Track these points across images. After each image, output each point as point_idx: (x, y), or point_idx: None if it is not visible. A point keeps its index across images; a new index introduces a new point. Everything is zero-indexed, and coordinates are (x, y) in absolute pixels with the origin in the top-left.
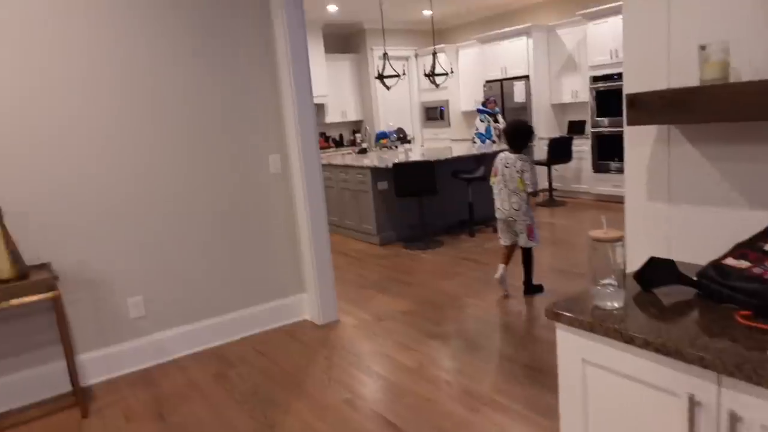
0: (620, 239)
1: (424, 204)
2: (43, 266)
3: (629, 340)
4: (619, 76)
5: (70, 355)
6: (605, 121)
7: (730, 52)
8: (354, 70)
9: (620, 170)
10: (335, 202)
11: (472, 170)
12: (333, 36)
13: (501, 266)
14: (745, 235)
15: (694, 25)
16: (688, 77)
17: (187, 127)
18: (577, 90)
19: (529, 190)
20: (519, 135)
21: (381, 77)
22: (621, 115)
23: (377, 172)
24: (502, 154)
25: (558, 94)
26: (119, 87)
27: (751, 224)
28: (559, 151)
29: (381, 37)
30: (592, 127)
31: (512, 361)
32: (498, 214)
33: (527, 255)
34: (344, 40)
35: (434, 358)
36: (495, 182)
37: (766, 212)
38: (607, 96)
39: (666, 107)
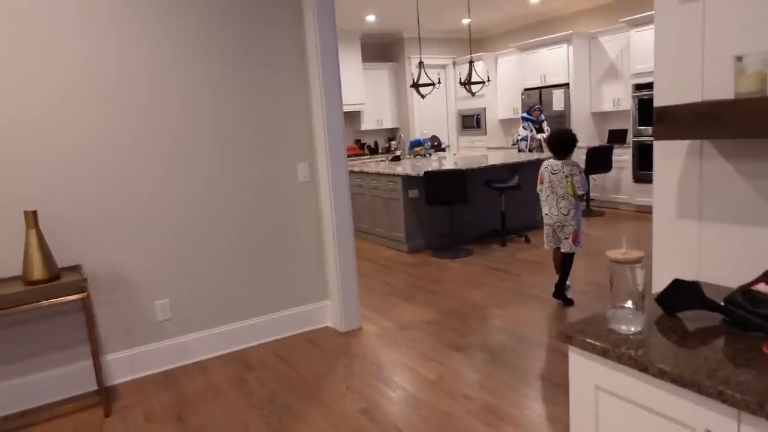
0: (640, 260)
1: (455, 213)
2: (74, 268)
3: (644, 369)
4: None
5: (96, 355)
6: (648, 130)
7: None
8: (392, 78)
9: None
10: (366, 209)
11: (505, 179)
12: (371, 45)
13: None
14: None
15: (731, 36)
16: (722, 90)
17: (217, 134)
18: (619, 98)
19: (580, 192)
20: (562, 143)
21: (416, 85)
22: None
23: (408, 180)
24: (546, 162)
25: (598, 102)
26: (152, 94)
27: None
28: (599, 160)
29: (418, 46)
30: (634, 136)
31: (536, 377)
32: (546, 220)
33: (568, 260)
34: (382, 49)
35: (456, 371)
36: (542, 189)
37: None
38: (650, 104)
39: (697, 121)
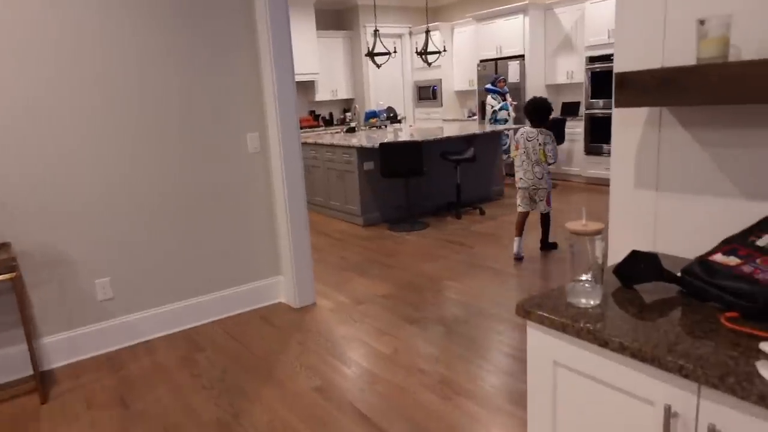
0: (600, 232)
1: (411, 185)
2: (2, 246)
3: (603, 344)
4: None
5: (30, 337)
6: (600, 102)
7: (731, 28)
8: (346, 47)
9: None
10: (321, 182)
11: (461, 151)
12: (325, 13)
13: (516, 239)
14: (737, 228)
15: (690, 5)
16: (683, 56)
17: (157, 103)
18: (573, 71)
19: (551, 161)
20: (539, 111)
21: (371, 54)
22: None
23: (364, 152)
24: (522, 129)
25: (553, 74)
26: (84, 62)
27: (745, 216)
28: (552, 132)
29: (374, 14)
30: (586, 108)
31: (491, 350)
32: (521, 184)
33: (546, 219)
34: (337, 17)
35: (411, 345)
36: (516, 155)
37: (762, 203)
38: (603, 77)
39: (658, 87)
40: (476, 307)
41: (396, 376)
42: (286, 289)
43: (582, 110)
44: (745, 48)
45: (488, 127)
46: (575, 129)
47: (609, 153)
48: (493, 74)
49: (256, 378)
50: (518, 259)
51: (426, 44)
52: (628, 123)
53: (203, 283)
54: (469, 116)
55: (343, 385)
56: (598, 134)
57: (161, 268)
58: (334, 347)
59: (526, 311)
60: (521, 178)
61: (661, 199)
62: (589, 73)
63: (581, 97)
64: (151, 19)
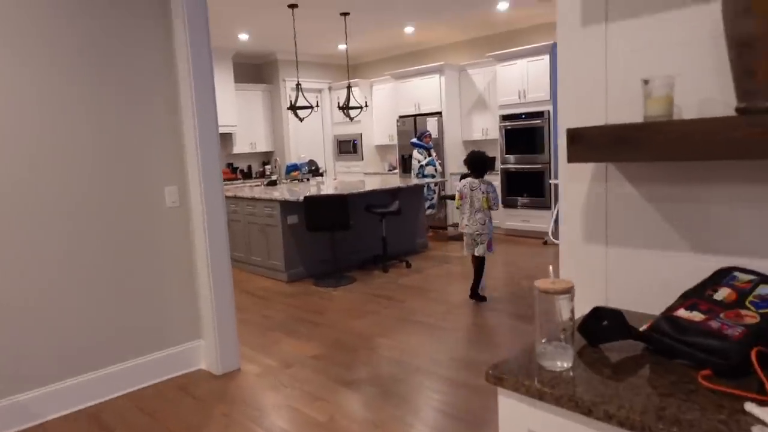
0: (569, 290)
1: (336, 239)
2: None
3: (587, 412)
4: (526, 115)
5: None
6: (512, 158)
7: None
8: (266, 100)
9: (528, 206)
10: (240, 236)
11: (386, 204)
12: (244, 66)
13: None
14: (688, 281)
15: (634, 59)
16: (626, 113)
17: (67, 159)
18: (488, 128)
19: (494, 208)
20: (480, 163)
21: (294, 108)
22: (528, 152)
23: (287, 206)
24: (464, 180)
25: (469, 130)
26: None
27: (696, 269)
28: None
29: (294, 69)
30: (502, 163)
31: (432, 410)
32: (466, 230)
33: (481, 263)
34: (256, 70)
35: (347, 410)
36: (460, 204)
37: (710, 256)
38: (515, 134)
39: (609, 144)
40: (411, 364)
41: None
42: (207, 353)
43: (498, 165)
44: (686, 107)
45: (414, 181)
46: (492, 183)
47: (524, 205)
48: (421, 128)
49: None
50: (481, 299)
51: (348, 99)
52: (576, 179)
53: (111, 352)
54: (390, 170)
55: None
56: (514, 187)
57: (60, 336)
58: (263, 417)
59: (497, 378)
60: (466, 225)
61: (611, 254)
62: (503, 131)
63: (496, 152)
64: (57, 65)
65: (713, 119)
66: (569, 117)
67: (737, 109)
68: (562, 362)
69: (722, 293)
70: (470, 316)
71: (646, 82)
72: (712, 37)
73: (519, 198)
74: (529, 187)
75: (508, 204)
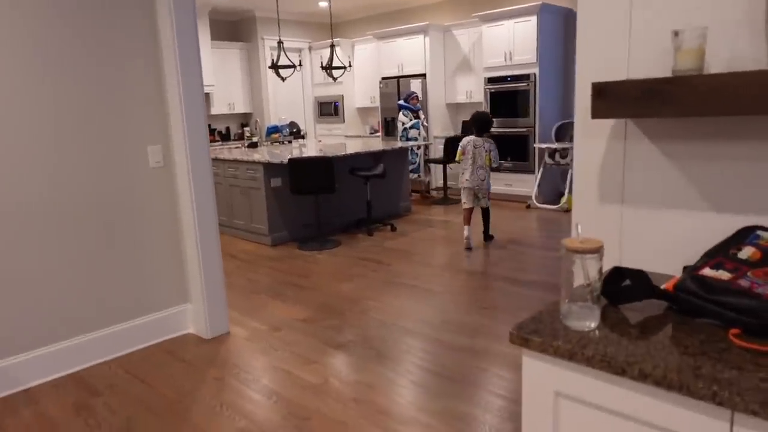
0: (599, 250)
1: (321, 202)
2: None
3: (620, 372)
4: (513, 78)
5: None
6: (497, 122)
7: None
8: (243, 59)
9: (511, 170)
10: (222, 199)
11: (370, 167)
12: (221, 23)
13: (466, 228)
14: (705, 242)
15: (659, 8)
16: (650, 68)
17: (44, 119)
18: (472, 90)
19: (495, 165)
20: (483, 123)
21: (276, 67)
22: (513, 116)
23: (270, 168)
24: (468, 138)
25: (453, 93)
26: None
27: (714, 230)
28: (454, 150)
29: (273, 27)
30: None
31: (426, 372)
32: (466, 184)
33: (487, 213)
34: (233, 28)
35: (340, 372)
36: (462, 160)
37: (733, 216)
38: (500, 97)
39: (639, 99)
40: (400, 326)
41: (330, 409)
42: (196, 318)
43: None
44: (713, 63)
45: (398, 144)
46: (494, 142)
47: (508, 170)
48: (408, 90)
49: (169, 424)
50: (468, 248)
51: (331, 59)
52: (591, 136)
53: (97, 317)
54: (372, 133)
55: (270, 423)
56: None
57: (44, 301)
58: (256, 381)
59: (523, 339)
60: (467, 179)
61: (626, 214)
62: (488, 93)
63: None
64: (31, 23)
65: (747, 73)
66: (589, 71)
67: None
68: (589, 322)
69: (747, 252)
70: (457, 278)
71: (676, 33)
72: None
73: (503, 162)
74: (513, 151)
75: (492, 168)
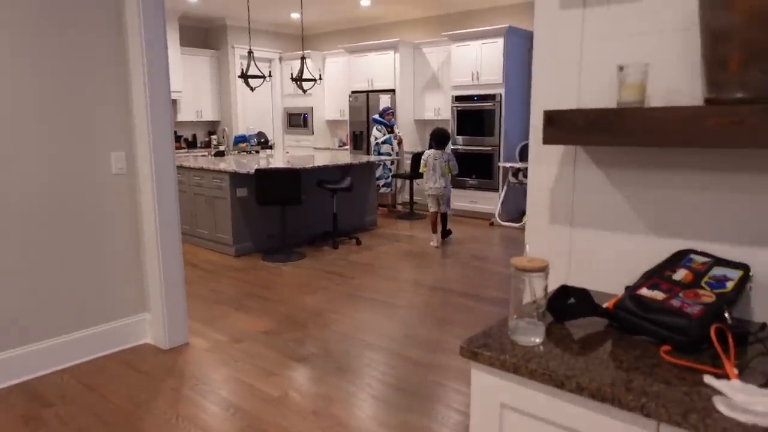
0: (544, 269)
1: (286, 214)
2: None
3: (559, 384)
4: (479, 97)
5: None
6: (463, 139)
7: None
8: (213, 67)
9: (477, 187)
10: (186, 208)
11: (337, 180)
12: (191, 29)
13: (435, 235)
14: (647, 264)
15: (608, 44)
16: (598, 98)
17: (3, 122)
18: (440, 107)
19: (455, 172)
20: (441, 138)
21: (245, 76)
22: (478, 134)
23: (237, 178)
24: (428, 152)
25: (421, 110)
26: None
27: (653, 252)
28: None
29: (244, 35)
30: (452, 144)
31: (387, 386)
32: (431, 192)
33: (444, 217)
34: (203, 35)
35: (301, 385)
36: (425, 171)
37: (669, 239)
38: (467, 116)
39: (586, 127)
40: (362, 340)
41: (289, 422)
42: (154, 327)
43: (449, 146)
44: (654, 96)
45: (367, 158)
46: (451, 153)
47: (472, 187)
48: (384, 105)
49: None
50: (437, 247)
51: (301, 71)
52: (544, 161)
53: (49, 324)
54: (340, 146)
55: None
56: (463, 169)
57: None
58: (214, 393)
59: (472, 353)
60: (431, 187)
61: (575, 235)
62: (455, 111)
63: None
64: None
65: (686, 108)
66: (543, 99)
67: (707, 100)
68: (534, 338)
69: (680, 273)
70: (419, 293)
71: (621, 68)
72: (683, 28)
73: (468, 179)
74: (478, 169)
75: (457, 185)
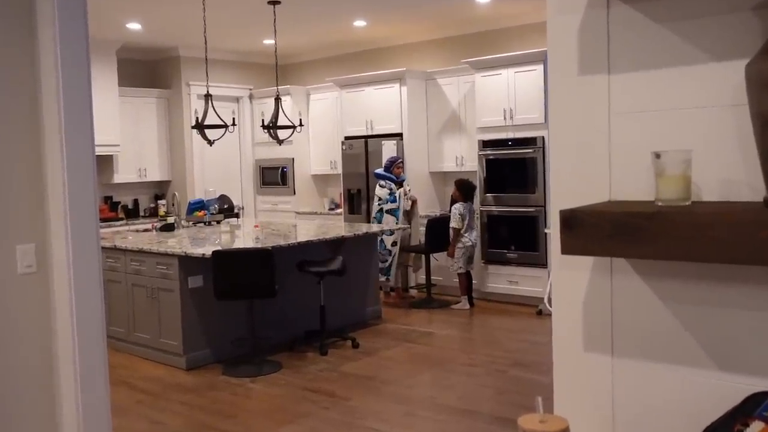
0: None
1: (256, 309)
2: None
3: None
4: (514, 142)
5: None
6: (496, 198)
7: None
8: (161, 111)
9: (517, 262)
10: (121, 305)
11: (326, 261)
12: (133, 63)
13: (464, 297)
14: (710, 409)
15: (641, 121)
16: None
17: None
18: (463, 156)
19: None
20: (469, 189)
21: (200, 126)
22: (516, 191)
23: (188, 263)
24: (458, 205)
25: (438, 159)
26: None
27: (719, 392)
28: (441, 234)
29: (201, 69)
30: (482, 204)
31: None
32: (468, 243)
33: (470, 276)
34: (149, 70)
35: None
36: (463, 226)
37: (738, 376)
38: (499, 166)
39: (613, 234)
40: None
41: None
42: None
43: (477, 205)
44: (705, 188)
45: (365, 228)
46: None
47: (512, 261)
48: (390, 154)
49: None
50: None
51: (276, 114)
52: (571, 267)
53: None
54: (332, 209)
55: None
56: (497, 238)
57: None
58: None
59: None
60: (469, 240)
61: (618, 367)
62: (483, 161)
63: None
64: None
65: (741, 212)
66: (563, 191)
67: (766, 200)
68: None
69: (756, 428)
70: (439, 421)
71: (657, 155)
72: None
73: (505, 251)
74: (519, 238)
75: (491, 259)
